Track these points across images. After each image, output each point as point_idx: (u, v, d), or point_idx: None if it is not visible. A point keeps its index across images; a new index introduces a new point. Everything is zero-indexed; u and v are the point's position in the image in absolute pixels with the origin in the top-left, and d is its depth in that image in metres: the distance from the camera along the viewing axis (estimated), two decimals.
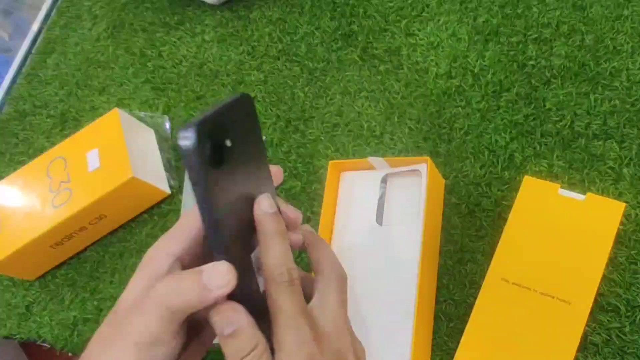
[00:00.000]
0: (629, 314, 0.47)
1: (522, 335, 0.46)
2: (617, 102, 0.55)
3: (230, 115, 0.31)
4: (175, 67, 0.78)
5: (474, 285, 0.52)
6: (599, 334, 0.47)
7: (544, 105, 0.57)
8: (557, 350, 0.44)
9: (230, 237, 0.32)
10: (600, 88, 0.56)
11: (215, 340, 0.34)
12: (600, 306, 0.48)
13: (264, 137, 0.67)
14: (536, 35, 0.61)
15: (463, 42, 0.64)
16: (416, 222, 0.51)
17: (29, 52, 0.92)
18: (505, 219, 0.50)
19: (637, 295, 0.47)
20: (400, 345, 0.48)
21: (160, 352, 0.32)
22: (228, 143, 0.31)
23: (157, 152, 0.70)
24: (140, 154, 0.67)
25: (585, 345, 0.47)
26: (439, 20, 0.66)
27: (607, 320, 0.47)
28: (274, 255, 0.33)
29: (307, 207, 0.62)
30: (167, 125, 0.73)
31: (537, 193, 0.50)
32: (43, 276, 0.70)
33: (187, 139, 0.29)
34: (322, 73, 0.69)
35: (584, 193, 0.49)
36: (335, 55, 0.69)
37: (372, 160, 0.56)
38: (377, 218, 0.55)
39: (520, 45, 0.61)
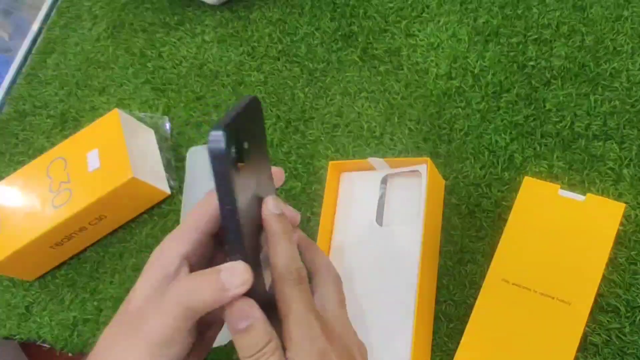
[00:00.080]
0: (628, 314, 0.47)
1: (522, 336, 0.46)
2: (617, 102, 0.55)
3: (246, 118, 0.32)
4: (175, 68, 0.78)
5: (474, 286, 0.52)
6: (599, 334, 0.47)
7: (544, 106, 0.57)
8: (557, 351, 0.44)
9: (245, 238, 0.32)
10: (600, 89, 0.56)
11: (216, 344, 0.34)
12: (600, 307, 0.48)
13: None
14: (536, 36, 0.61)
15: (463, 42, 0.64)
16: (416, 223, 0.51)
17: (29, 52, 0.92)
18: (505, 220, 0.50)
19: (637, 296, 0.48)
20: (400, 345, 0.48)
21: (173, 351, 0.32)
22: (245, 145, 0.32)
23: (157, 152, 0.70)
24: (140, 154, 0.67)
25: (585, 345, 0.47)
26: (439, 21, 0.66)
27: (607, 320, 0.47)
28: (283, 254, 0.34)
29: (307, 207, 0.62)
30: (167, 125, 0.73)
31: (537, 194, 0.50)
32: (43, 276, 0.70)
33: (217, 142, 0.29)
34: (322, 74, 0.69)
35: (584, 194, 0.49)
36: (335, 55, 0.69)
37: (372, 160, 0.56)
38: (377, 218, 0.55)
39: (521, 46, 0.61)
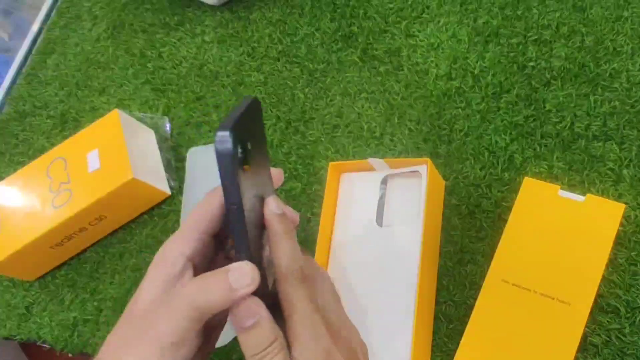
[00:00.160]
0: (628, 315, 0.47)
1: (522, 336, 0.46)
2: (617, 103, 0.55)
3: (248, 119, 0.32)
4: (175, 68, 0.78)
5: (474, 286, 0.52)
6: (599, 335, 0.47)
7: (544, 107, 0.57)
8: (557, 351, 0.44)
9: (251, 237, 0.33)
10: (600, 89, 0.56)
11: (219, 344, 0.34)
12: (600, 307, 0.48)
13: None
14: (536, 37, 0.61)
15: (463, 43, 0.64)
16: (416, 223, 0.51)
17: (29, 53, 0.92)
18: (505, 220, 0.50)
19: (636, 296, 0.48)
20: (400, 346, 0.48)
21: (182, 352, 0.32)
22: (249, 146, 0.32)
23: (157, 153, 0.71)
24: (140, 154, 0.67)
25: (585, 346, 0.47)
26: (439, 22, 0.66)
27: (607, 321, 0.47)
28: (286, 253, 0.34)
29: (307, 208, 0.62)
30: (167, 126, 0.73)
31: (537, 194, 0.50)
32: (43, 277, 0.70)
33: (224, 143, 0.30)
34: (322, 74, 0.69)
35: (583, 194, 0.49)
36: (335, 56, 0.69)
37: (372, 161, 0.56)
38: (377, 219, 0.55)
39: (520, 47, 0.61)
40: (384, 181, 0.57)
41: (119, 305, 0.65)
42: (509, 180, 0.55)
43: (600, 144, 0.54)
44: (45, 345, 0.67)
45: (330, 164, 0.57)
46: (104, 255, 0.69)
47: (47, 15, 0.95)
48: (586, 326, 0.46)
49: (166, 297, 0.33)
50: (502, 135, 0.58)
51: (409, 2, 0.69)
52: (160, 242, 0.67)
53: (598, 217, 0.48)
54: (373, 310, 0.52)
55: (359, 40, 0.69)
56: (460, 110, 0.60)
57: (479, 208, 0.55)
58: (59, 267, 0.70)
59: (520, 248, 0.49)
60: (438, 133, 0.60)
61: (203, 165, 0.68)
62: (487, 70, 0.61)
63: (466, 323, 0.48)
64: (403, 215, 0.55)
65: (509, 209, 0.51)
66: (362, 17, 0.71)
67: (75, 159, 0.67)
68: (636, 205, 0.50)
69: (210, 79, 0.75)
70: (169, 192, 0.69)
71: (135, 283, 0.66)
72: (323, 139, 0.65)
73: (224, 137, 0.30)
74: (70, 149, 0.68)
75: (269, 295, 0.34)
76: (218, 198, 0.36)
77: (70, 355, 0.66)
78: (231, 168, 0.30)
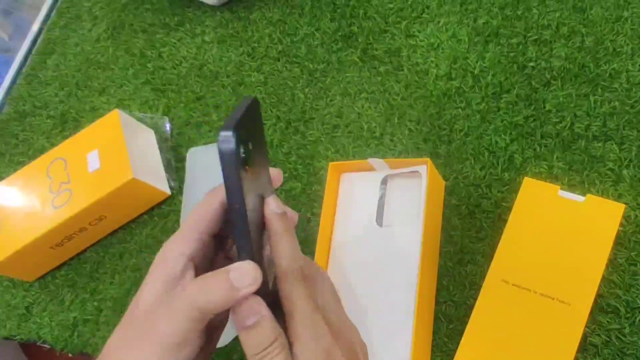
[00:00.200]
0: (628, 315, 0.47)
1: (522, 337, 0.46)
2: (616, 103, 0.55)
3: (249, 119, 0.32)
4: (175, 68, 0.78)
5: (474, 287, 0.52)
6: (599, 335, 0.47)
7: (544, 107, 0.57)
8: (557, 352, 0.44)
9: (253, 237, 0.33)
10: (600, 90, 0.56)
11: (219, 344, 0.34)
12: (600, 307, 0.48)
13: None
14: (536, 37, 0.61)
15: (463, 43, 0.64)
16: (416, 224, 0.52)
17: (29, 53, 0.92)
18: (505, 220, 0.50)
19: (636, 296, 0.48)
20: (400, 346, 0.48)
21: (185, 352, 0.32)
22: (250, 146, 0.32)
23: (157, 153, 0.71)
24: (140, 155, 0.67)
25: (585, 346, 0.47)
26: (439, 22, 0.66)
27: (607, 321, 0.47)
28: (287, 253, 0.34)
29: (307, 208, 0.62)
30: (167, 126, 0.73)
31: (537, 194, 0.51)
32: (43, 277, 0.70)
33: (227, 142, 0.30)
34: (322, 74, 0.69)
35: (583, 194, 0.49)
36: (335, 56, 0.69)
37: (372, 161, 0.56)
38: (377, 219, 0.55)
39: (520, 47, 0.61)
40: (384, 181, 0.57)
41: (119, 305, 0.65)
42: (509, 180, 0.55)
43: (600, 144, 0.54)
44: (45, 346, 0.67)
45: (330, 164, 0.57)
46: (104, 256, 0.69)
47: (47, 16, 0.95)
48: (586, 326, 0.46)
49: (168, 298, 0.33)
50: (502, 136, 0.58)
51: (409, 2, 0.69)
52: (160, 242, 0.67)
53: (598, 217, 0.48)
54: (373, 310, 0.52)
55: (359, 40, 0.69)
56: (460, 110, 0.60)
57: (479, 208, 0.55)
58: (59, 267, 0.70)
59: (520, 248, 0.49)
60: (438, 133, 0.60)
61: (203, 166, 0.68)
62: (487, 70, 0.61)
63: (466, 323, 0.48)
64: (403, 215, 0.55)
65: (509, 209, 0.51)
66: (362, 17, 0.71)
67: (75, 159, 0.67)
68: (636, 206, 0.50)
69: (210, 79, 0.75)
70: (169, 192, 0.69)
71: (135, 283, 0.66)
72: (323, 139, 0.65)
73: (227, 136, 0.30)
74: (70, 149, 0.68)
75: (270, 295, 0.34)
76: (218, 198, 0.36)
77: (70, 355, 0.66)
78: (234, 168, 0.30)
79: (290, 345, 0.33)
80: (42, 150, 0.76)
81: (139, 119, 0.72)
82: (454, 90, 0.62)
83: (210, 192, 0.37)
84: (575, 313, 0.45)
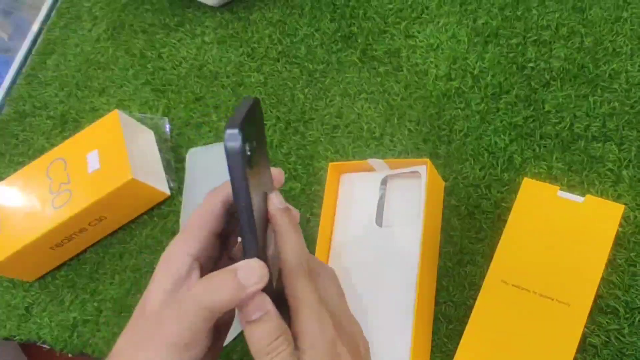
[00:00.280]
0: (627, 315, 0.47)
1: (522, 337, 0.46)
2: (616, 104, 0.55)
3: (252, 118, 0.33)
4: (175, 69, 0.78)
5: (474, 287, 0.52)
6: (598, 335, 0.47)
7: (543, 107, 0.57)
8: (556, 352, 0.44)
9: (258, 235, 0.33)
10: (599, 90, 0.56)
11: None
12: (599, 308, 0.48)
13: None
14: (535, 37, 0.61)
15: (462, 44, 0.64)
16: (416, 224, 0.52)
17: (28, 53, 0.93)
18: (505, 221, 0.50)
19: (636, 297, 0.48)
20: (400, 346, 0.48)
21: (193, 352, 0.33)
22: (254, 144, 0.32)
23: (157, 153, 0.71)
24: (140, 155, 0.67)
25: (584, 347, 0.47)
26: (438, 22, 0.66)
27: (606, 322, 0.47)
28: (293, 248, 0.34)
29: (307, 208, 0.62)
30: (167, 126, 0.73)
31: (536, 195, 0.51)
32: (43, 277, 0.71)
33: (233, 141, 0.30)
34: (322, 75, 0.69)
35: (583, 195, 0.49)
36: (335, 56, 0.70)
37: (372, 162, 0.56)
38: (377, 219, 0.56)
39: (520, 47, 0.61)
40: (384, 182, 0.57)
41: (119, 305, 0.65)
42: (509, 181, 0.56)
43: (599, 144, 0.54)
44: (45, 346, 0.67)
45: (330, 164, 0.57)
46: (103, 256, 0.69)
47: (47, 16, 0.95)
48: (585, 327, 0.46)
49: (175, 298, 0.33)
50: (502, 136, 0.58)
51: (409, 3, 0.69)
52: (160, 243, 0.67)
53: (597, 217, 0.48)
54: (373, 311, 0.52)
55: (359, 40, 0.69)
56: (459, 110, 0.61)
57: (478, 209, 0.55)
58: (58, 268, 0.70)
59: (519, 249, 0.49)
60: (438, 134, 0.60)
61: (203, 166, 0.68)
62: (486, 70, 0.61)
63: (466, 323, 0.48)
64: (403, 215, 0.55)
65: (509, 209, 0.51)
66: (362, 18, 0.71)
67: (75, 159, 0.67)
68: (635, 206, 0.51)
69: (210, 79, 0.75)
70: (168, 192, 0.69)
71: (135, 283, 0.66)
72: (323, 140, 0.65)
73: (234, 134, 0.30)
74: (70, 149, 0.68)
75: (273, 291, 0.34)
76: (219, 197, 0.36)
77: (70, 355, 0.66)
78: (241, 166, 0.31)
79: (295, 338, 0.33)
80: (42, 151, 0.76)
81: (139, 120, 0.72)
82: (453, 91, 0.62)
83: (211, 192, 0.37)
84: (575, 313, 0.45)
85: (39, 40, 0.92)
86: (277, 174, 0.38)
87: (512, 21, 0.63)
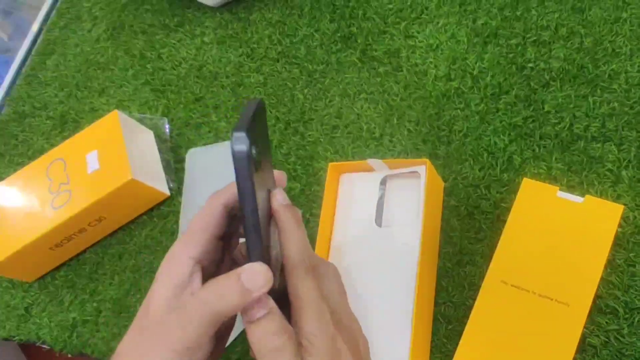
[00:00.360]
0: (627, 316, 0.47)
1: (521, 337, 0.46)
2: (615, 104, 0.55)
3: (257, 120, 0.33)
4: (174, 69, 0.78)
5: (473, 287, 0.52)
6: (598, 336, 0.47)
7: (543, 108, 0.57)
8: (556, 352, 0.44)
9: (262, 236, 0.33)
10: (599, 90, 0.56)
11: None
12: (598, 308, 0.48)
13: None
14: (535, 38, 0.61)
15: (462, 44, 0.64)
16: (415, 224, 0.52)
17: (28, 53, 0.93)
18: (504, 221, 0.50)
19: (635, 297, 0.48)
20: (399, 346, 0.48)
21: (196, 357, 0.33)
22: (260, 145, 0.32)
23: (157, 153, 0.71)
24: (139, 155, 0.67)
25: (583, 347, 0.47)
26: (438, 23, 0.66)
27: (606, 322, 0.47)
28: (297, 244, 0.35)
29: (306, 209, 0.62)
30: (167, 127, 0.73)
31: (535, 195, 0.51)
32: (42, 278, 0.71)
33: (241, 144, 0.30)
34: (322, 75, 0.69)
35: (582, 195, 0.49)
36: (334, 57, 0.70)
37: (372, 162, 0.56)
38: (376, 220, 0.56)
39: (519, 48, 0.61)
40: (383, 182, 0.57)
41: (118, 306, 0.65)
42: (508, 181, 0.56)
43: (599, 145, 0.54)
44: (44, 346, 0.67)
45: (330, 164, 0.57)
46: (103, 256, 0.69)
47: (47, 16, 0.95)
48: (585, 327, 0.46)
49: (178, 302, 0.33)
50: (501, 136, 0.58)
51: (408, 3, 0.69)
52: (159, 243, 0.67)
53: (597, 218, 0.48)
54: (372, 311, 0.52)
55: (358, 41, 0.69)
56: (459, 111, 0.61)
57: (478, 209, 0.55)
58: (58, 268, 0.70)
59: (519, 249, 0.49)
60: (437, 134, 0.60)
61: (202, 166, 0.69)
62: (486, 71, 0.61)
63: (465, 324, 0.48)
64: (402, 216, 0.55)
65: (508, 210, 0.51)
66: (362, 18, 0.71)
67: (74, 159, 0.67)
68: (635, 207, 0.51)
69: (210, 80, 0.75)
70: (168, 193, 0.69)
71: (135, 284, 0.66)
72: (322, 140, 0.65)
73: (241, 138, 0.30)
74: (70, 149, 0.69)
75: (274, 289, 0.34)
76: (221, 200, 0.36)
77: (69, 355, 0.66)
78: (247, 170, 0.31)
79: (296, 333, 0.33)
80: (41, 151, 0.76)
81: (139, 120, 0.72)
82: (453, 91, 0.62)
83: (213, 195, 0.37)
84: (574, 314, 0.45)
85: (38, 41, 0.92)
86: (278, 175, 0.38)
87: (512, 21, 0.63)
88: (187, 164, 0.70)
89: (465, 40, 0.64)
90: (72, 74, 0.84)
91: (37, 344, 0.68)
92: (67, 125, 0.80)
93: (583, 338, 0.47)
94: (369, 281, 0.53)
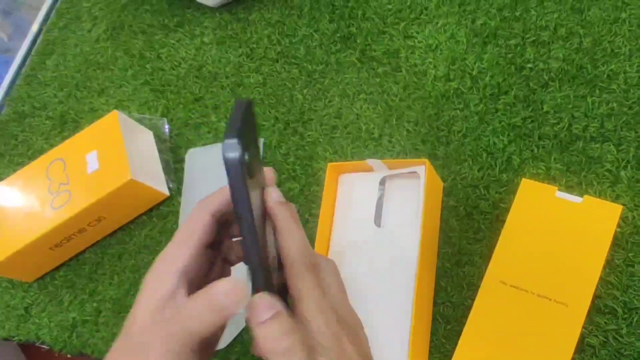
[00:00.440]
0: (625, 316, 0.47)
1: (520, 338, 0.46)
2: (614, 104, 0.55)
3: (246, 121, 0.32)
4: (174, 69, 0.78)
5: (472, 288, 0.52)
6: (596, 336, 0.47)
7: (542, 108, 0.58)
8: (555, 352, 0.44)
9: (258, 239, 0.33)
10: (597, 91, 0.56)
11: (218, 346, 0.34)
12: (597, 308, 0.48)
13: (262, 140, 0.67)
14: (534, 38, 0.61)
15: (461, 44, 0.64)
16: (414, 224, 0.52)
17: (28, 53, 0.93)
18: (503, 222, 0.51)
19: (634, 297, 0.48)
20: (398, 346, 0.48)
21: None
22: (251, 148, 0.32)
23: (156, 154, 0.71)
24: (139, 156, 0.67)
25: (582, 347, 0.47)
26: (437, 23, 0.66)
27: (604, 322, 0.48)
28: (295, 242, 0.34)
29: (305, 209, 0.62)
30: (166, 127, 0.73)
31: (534, 195, 0.51)
32: (42, 278, 0.71)
33: (233, 151, 0.29)
34: (321, 75, 0.69)
35: (581, 195, 0.49)
36: (334, 57, 0.70)
37: (371, 162, 0.56)
38: (375, 220, 0.56)
39: (519, 48, 0.61)
40: (383, 182, 0.57)
41: (118, 306, 0.65)
42: (507, 181, 0.56)
43: (597, 145, 0.54)
44: (44, 346, 0.67)
45: (329, 164, 0.57)
46: (102, 256, 0.69)
47: (47, 16, 0.95)
48: (583, 327, 0.46)
49: (162, 316, 0.33)
50: (500, 137, 0.58)
51: (408, 3, 0.69)
52: (159, 243, 0.67)
53: (595, 218, 0.48)
54: (371, 311, 0.52)
55: (358, 41, 0.69)
56: (458, 111, 0.61)
57: (476, 209, 0.55)
58: (58, 268, 0.70)
59: (517, 249, 0.49)
60: (436, 134, 0.60)
61: (202, 167, 0.69)
62: (485, 71, 0.61)
63: (464, 324, 0.48)
64: (401, 216, 0.55)
65: (507, 210, 0.51)
66: (361, 18, 0.71)
67: (74, 160, 0.67)
68: (633, 207, 0.51)
69: (209, 80, 0.75)
70: (167, 193, 0.69)
71: (134, 284, 0.66)
72: (321, 140, 0.65)
73: (232, 144, 0.29)
74: (69, 150, 0.69)
75: (272, 287, 0.34)
76: (208, 209, 0.36)
77: (69, 355, 0.66)
78: (241, 175, 0.30)
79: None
80: (41, 151, 0.76)
81: (138, 120, 0.72)
82: (452, 92, 0.62)
83: (200, 203, 0.36)
84: (573, 314, 0.45)
85: (38, 41, 0.92)
86: (269, 173, 0.37)
87: (511, 22, 0.63)
88: (187, 164, 0.70)
89: (465, 41, 0.64)
90: (71, 74, 0.84)
91: (37, 344, 0.68)
92: (66, 125, 0.80)
93: (582, 338, 0.47)
94: (368, 281, 0.53)
